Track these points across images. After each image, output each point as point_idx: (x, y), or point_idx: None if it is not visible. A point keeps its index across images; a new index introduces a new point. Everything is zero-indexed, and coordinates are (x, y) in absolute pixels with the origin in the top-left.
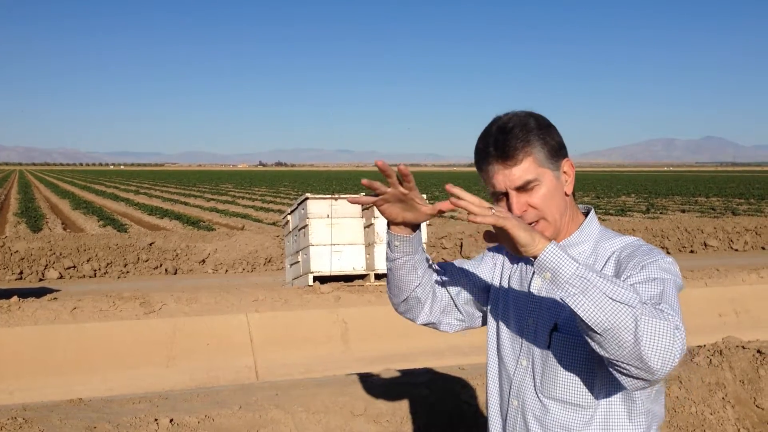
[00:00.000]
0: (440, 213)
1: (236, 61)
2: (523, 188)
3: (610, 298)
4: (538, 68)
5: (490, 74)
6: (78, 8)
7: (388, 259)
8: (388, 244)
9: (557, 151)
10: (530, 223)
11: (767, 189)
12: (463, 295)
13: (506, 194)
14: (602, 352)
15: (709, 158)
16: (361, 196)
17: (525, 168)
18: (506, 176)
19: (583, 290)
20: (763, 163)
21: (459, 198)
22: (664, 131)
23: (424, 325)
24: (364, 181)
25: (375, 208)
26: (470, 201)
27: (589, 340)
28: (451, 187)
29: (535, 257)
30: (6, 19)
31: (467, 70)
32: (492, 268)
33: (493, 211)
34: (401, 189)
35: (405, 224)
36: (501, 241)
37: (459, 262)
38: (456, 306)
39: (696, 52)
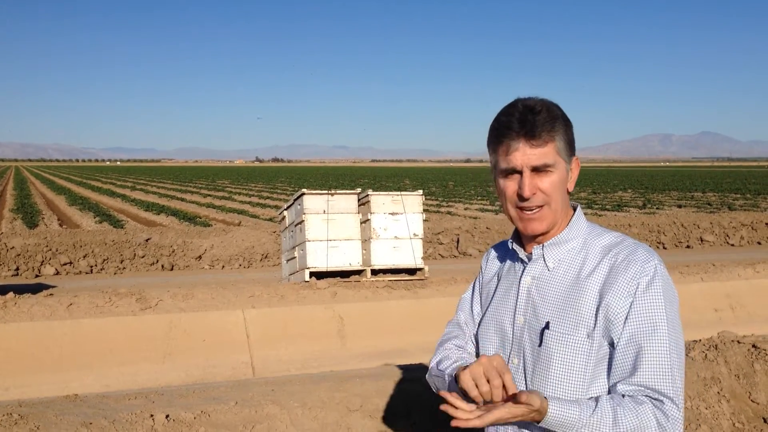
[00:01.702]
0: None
1: (233, 56)
2: (538, 170)
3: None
4: (533, 64)
5: (486, 70)
6: (73, 4)
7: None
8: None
9: (572, 146)
10: (536, 207)
11: (763, 184)
12: None
13: (519, 172)
14: None
15: (705, 154)
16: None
17: (546, 151)
18: (526, 155)
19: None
20: (759, 158)
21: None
22: (661, 127)
23: None
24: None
25: (370, 202)
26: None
27: None
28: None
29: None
30: (1, 15)
31: (463, 66)
32: (479, 294)
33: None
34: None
35: None
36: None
37: (464, 319)
38: None
39: (693, 47)
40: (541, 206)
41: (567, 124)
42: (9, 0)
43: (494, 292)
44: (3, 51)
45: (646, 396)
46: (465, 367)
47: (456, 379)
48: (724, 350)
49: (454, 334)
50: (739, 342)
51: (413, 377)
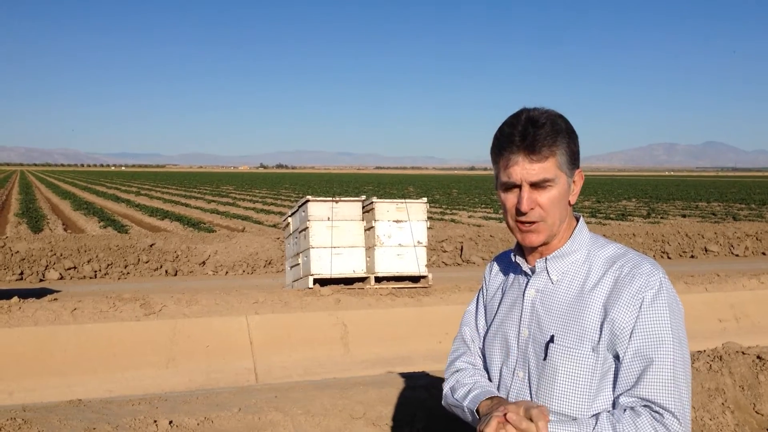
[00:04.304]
0: None
1: (237, 62)
2: (537, 185)
3: None
4: (538, 71)
5: (490, 77)
6: (78, 8)
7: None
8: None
9: (575, 159)
10: (532, 222)
11: None
12: None
13: (518, 186)
14: None
15: (710, 163)
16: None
17: (546, 167)
18: (526, 170)
19: None
20: (764, 168)
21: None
22: (666, 136)
23: None
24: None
25: (375, 209)
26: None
27: None
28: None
29: None
30: (6, 18)
31: (467, 73)
32: (483, 308)
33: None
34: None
35: None
36: None
37: (470, 334)
38: None
39: (698, 56)
40: (538, 221)
41: (571, 137)
42: (14, 3)
43: (499, 306)
44: (8, 55)
45: (645, 407)
46: (487, 411)
47: (477, 413)
48: (729, 361)
49: (462, 351)
50: (743, 353)
51: (417, 385)
